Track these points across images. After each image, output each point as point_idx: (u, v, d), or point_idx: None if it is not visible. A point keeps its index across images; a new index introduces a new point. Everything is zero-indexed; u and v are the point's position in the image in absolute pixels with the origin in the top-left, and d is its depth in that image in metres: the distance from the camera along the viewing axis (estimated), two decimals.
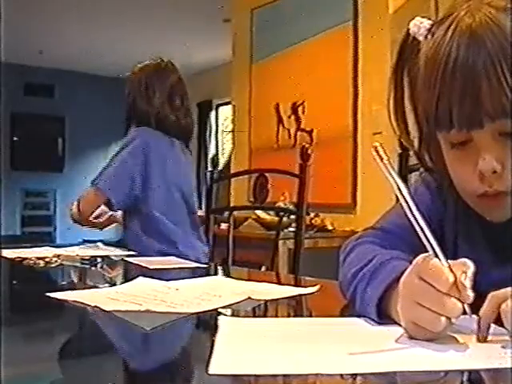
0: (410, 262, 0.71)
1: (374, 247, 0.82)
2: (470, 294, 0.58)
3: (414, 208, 0.62)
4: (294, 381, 0.52)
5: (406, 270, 0.67)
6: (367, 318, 0.70)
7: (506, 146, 0.70)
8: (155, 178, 1.90)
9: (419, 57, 0.75)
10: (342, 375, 0.52)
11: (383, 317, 0.69)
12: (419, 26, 0.77)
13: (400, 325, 0.65)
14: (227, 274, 1.39)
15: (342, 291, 0.83)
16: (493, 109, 0.67)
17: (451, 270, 0.59)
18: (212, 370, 0.52)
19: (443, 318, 0.58)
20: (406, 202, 0.62)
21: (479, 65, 0.67)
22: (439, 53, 0.70)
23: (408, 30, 0.79)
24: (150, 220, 1.90)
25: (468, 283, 0.59)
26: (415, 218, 0.62)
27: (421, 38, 0.76)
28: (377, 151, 0.62)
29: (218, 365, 0.53)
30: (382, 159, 0.62)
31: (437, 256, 0.60)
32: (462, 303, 0.58)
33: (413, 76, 0.78)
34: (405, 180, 1.70)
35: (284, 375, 0.52)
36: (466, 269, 0.60)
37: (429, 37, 0.75)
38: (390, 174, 0.61)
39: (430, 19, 0.78)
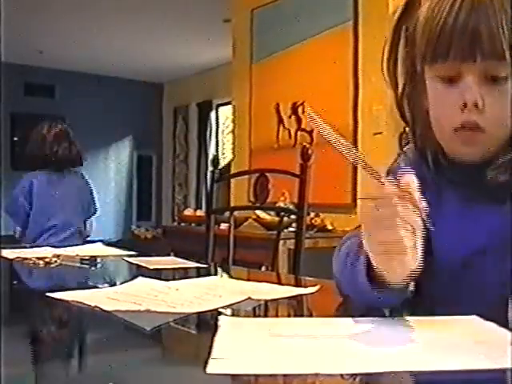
0: None
1: None
2: (423, 202, 0.64)
3: (352, 149, 0.68)
4: (293, 381, 0.52)
5: None
6: (359, 289, 0.74)
7: (491, 89, 0.77)
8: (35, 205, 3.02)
9: (420, 9, 0.82)
10: (342, 375, 0.52)
11: (374, 281, 0.72)
12: None
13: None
14: (227, 274, 1.39)
15: (337, 283, 0.86)
16: (488, 48, 0.74)
17: (398, 187, 0.64)
18: (210, 369, 0.52)
19: (403, 232, 0.63)
20: (344, 146, 0.68)
21: (482, 9, 0.74)
22: None
23: None
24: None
25: (415, 187, 0.64)
26: (353, 154, 0.68)
27: None
28: (312, 117, 0.68)
29: (217, 364, 0.53)
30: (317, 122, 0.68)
31: (382, 183, 0.66)
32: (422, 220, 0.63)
33: (410, 25, 0.85)
34: None
35: (283, 375, 0.52)
36: (409, 182, 0.65)
37: None
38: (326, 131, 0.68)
39: None
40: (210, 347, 0.57)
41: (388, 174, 0.89)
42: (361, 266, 0.73)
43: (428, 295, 0.84)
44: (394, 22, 0.89)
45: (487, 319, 0.66)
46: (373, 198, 0.66)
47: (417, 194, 0.64)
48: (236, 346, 0.60)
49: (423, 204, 0.64)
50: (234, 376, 0.52)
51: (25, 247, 1.62)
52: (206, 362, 0.53)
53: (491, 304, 0.70)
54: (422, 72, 0.84)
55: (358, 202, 0.98)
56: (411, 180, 0.65)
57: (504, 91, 0.77)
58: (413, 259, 0.64)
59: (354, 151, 0.67)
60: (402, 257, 0.64)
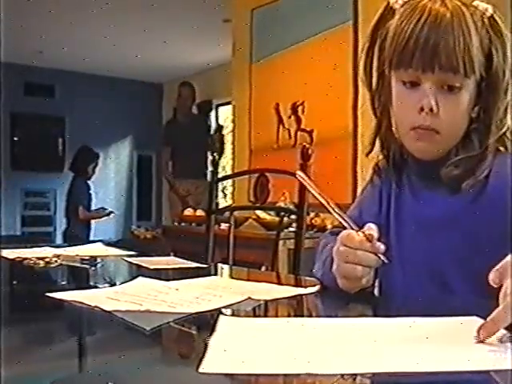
0: None
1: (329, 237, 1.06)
2: (380, 245, 0.83)
3: (332, 204, 0.85)
4: (293, 381, 0.52)
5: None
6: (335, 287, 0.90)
7: (446, 97, 0.89)
8: None
9: (393, 18, 0.94)
10: (342, 375, 0.52)
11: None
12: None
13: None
14: (227, 274, 1.39)
15: (319, 275, 1.00)
16: (445, 61, 0.86)
17: (362, 233, 0.83)
18: (203, 368, 0.51)
19: (359, 267, 0.83)
20: (326, 201, 0.86)
21: (443, 27, 0.87)
22: (415, 10, 0.89)
23: (388, 2, 0.97)
24: None
25: (375, 234, 0.83)
26: (332, 208, 0.86)
27: (397, 6, 0.95)
28: (301, 177, 0.90)
29: (210, 363, 0.53)
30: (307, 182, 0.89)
31: (352, 229, 0.85)
32: (376, 255, 0.83)
33: (383, 32, 0.96)
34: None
35: (279, 375, 0.52)
36: (371, 230, 0.84)
37: (405, 5, 0.93)
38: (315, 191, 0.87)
39: None
40: (205, 347, 0.57)
41: (364, 189, 1.13)
42: (332, 275, 0.90)
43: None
44: (371, 28, 1.00)
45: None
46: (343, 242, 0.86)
47: (375, 239, 0.83)
48: (232, 345, 0.60)
49: (381, 246, 0.83)
50: (229, 376, 0.52)
51: (25, 247, 1.61)
52: (200, 362, 0.53)
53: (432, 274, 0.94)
54: (389, 74, 0.96)
55: None
56: (372, 229, 0.84)
57: (457, 99, 0.90)
58: (365, 281, 0.85)
59: (334, 205, 0.86)
60: (355, 281, 0.85)
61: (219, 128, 5.31)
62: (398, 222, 1.01)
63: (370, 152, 1.03)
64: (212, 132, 5.77)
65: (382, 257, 0.83)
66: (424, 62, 0.88)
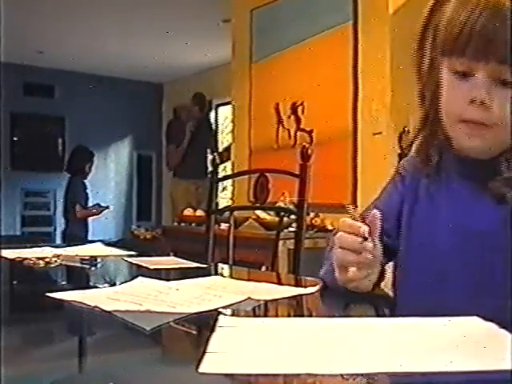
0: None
1: None
2: (363, 226, 0.82)
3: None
4: (287, 381, 0.52)
5: None
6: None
7: (499, 91, 0.83)
8: None
9: (449, 1, 0.87)
10: (342, 375, 0.52)
11: None
12: None
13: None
14: (227, 274, 1.39)
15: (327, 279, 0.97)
16: (501, 52, 0.80)
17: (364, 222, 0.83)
18: (202, 368, 0.51)
19: (349, 252, 0.83)
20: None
21: (500, 16, 0.80)
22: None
23: None
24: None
25: (377, 221, 0.83)
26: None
27: None
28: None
29: (210, 363, 0.53)
30: None
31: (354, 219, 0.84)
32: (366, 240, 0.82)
33: (439, 15, 0.89)
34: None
35: (276, 375, 0.52)
36: (372, 216, 0.83)
37: None
38: None
39: None
40: (205, 347, 0.57)
41: (383, 190, 1.10)
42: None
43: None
44: (428, 9, 0.92)
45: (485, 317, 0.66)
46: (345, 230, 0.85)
47: (377, 231, 0.83)
48: (232, 345, 0.60)
49: (363, 227, 0.82)
50: (229, 376, 0.52)
51: (25, 247, 1.61)
52: (199, 362, 0.53)
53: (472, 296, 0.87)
54: (440, 62, 0.89)
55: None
56: (374, 214, 0.83)
57: (510, 95, 0.83)
58: (352, 273, 0.85)
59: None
60: (345, 268, 0.86)
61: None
62: (430, 225, 0.94)
63: (410, 147, 0.98)
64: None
65: (366, 241, 0.82)
66: (478, 51, 0.82)
